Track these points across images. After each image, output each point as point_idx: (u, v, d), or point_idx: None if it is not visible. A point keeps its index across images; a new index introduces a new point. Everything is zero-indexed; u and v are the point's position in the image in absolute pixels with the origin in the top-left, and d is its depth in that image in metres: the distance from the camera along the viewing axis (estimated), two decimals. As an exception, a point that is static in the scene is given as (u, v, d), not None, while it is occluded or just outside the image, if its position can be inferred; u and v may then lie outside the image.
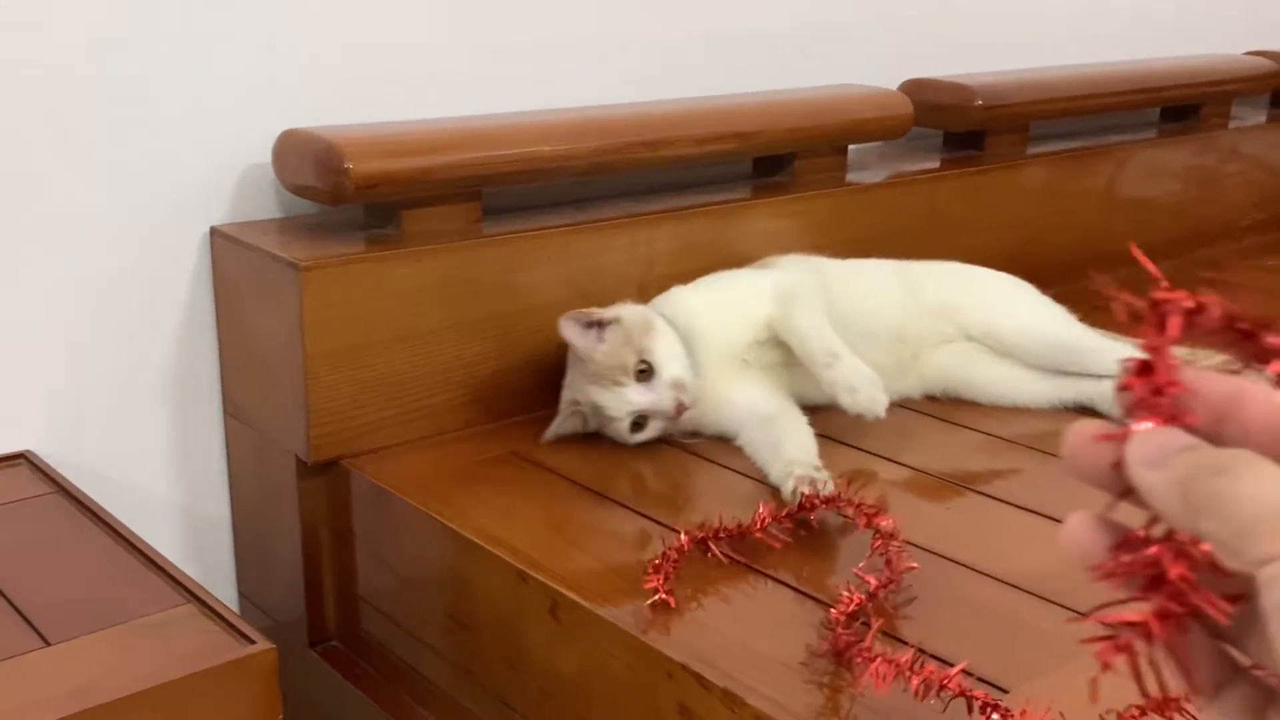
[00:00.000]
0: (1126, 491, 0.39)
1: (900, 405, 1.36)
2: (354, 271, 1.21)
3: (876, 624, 0.88)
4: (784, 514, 1.07)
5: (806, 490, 1.08)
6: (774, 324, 1.29)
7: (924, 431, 1.32)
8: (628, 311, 1.25)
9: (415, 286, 1.24)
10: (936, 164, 1.79)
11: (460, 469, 1.21)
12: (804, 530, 1.07)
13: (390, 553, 1.20)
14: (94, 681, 0.83)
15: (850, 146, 1.68)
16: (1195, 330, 0.39)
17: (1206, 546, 0.37)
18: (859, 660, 0.85)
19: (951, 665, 0.83)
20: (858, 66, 1.76)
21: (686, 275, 1.37)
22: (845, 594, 0.92)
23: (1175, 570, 0.37)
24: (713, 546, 1.03)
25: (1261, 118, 2.27)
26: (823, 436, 1.24)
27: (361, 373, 1.23)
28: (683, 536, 1.02)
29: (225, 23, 1.26)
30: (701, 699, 0.87)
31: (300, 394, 1.20)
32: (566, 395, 1.27)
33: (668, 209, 1.45)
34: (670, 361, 1.23)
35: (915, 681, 0.80)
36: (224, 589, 1.39)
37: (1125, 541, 0.39)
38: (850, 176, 1.67)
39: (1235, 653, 0.40)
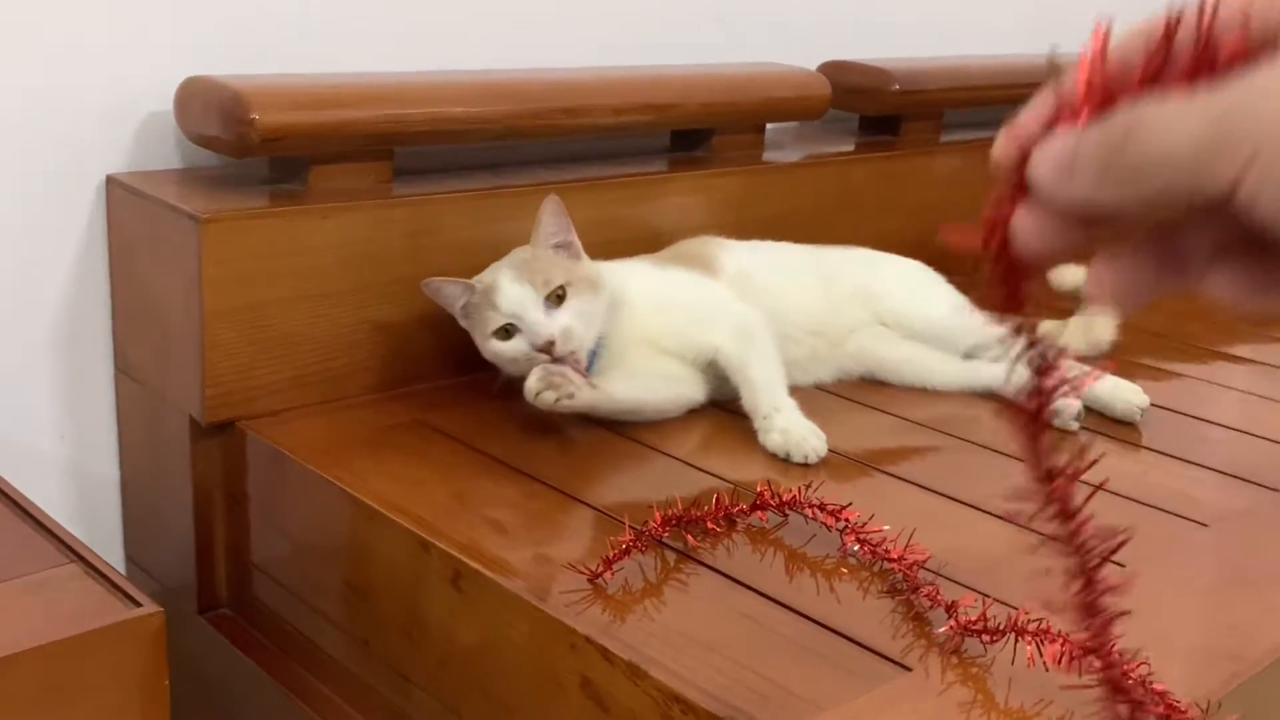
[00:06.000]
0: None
1: (815, 388, 1.36)
2: (257, 226, 1.16)
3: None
4: (737, 508, 1.02)
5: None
6: (723, 358, 1.24)
7: (836, 413, 1.31)
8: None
9: (320, 244, 1.21)
10: (851, 146, 1.79)
11: (362, 435, 1.18)
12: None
13: (286, 519, 1.17)
14: (-35, 642, 0.79)
15: (768, 126, 1.67)
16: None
17: None
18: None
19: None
20: (778, 46, 1.75)
21: (599, 246, 1.35)
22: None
23: None
24: (688, 536, 0.99)
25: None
26: (737, 417, 1.23)
27: (261, 332, 1.18)
28: (649, 522, 0.98)
29: (128, -38, 1.21)
30: (605, 672, 0.85)
31: (196, 352, 1.16)
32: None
33: (583, 178, 1.42)
34: (583, 311, 1.19)
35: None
36: (110, 552, 1.34)
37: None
38: (767, 155, 1.66)
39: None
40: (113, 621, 0.82)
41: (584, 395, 1.16)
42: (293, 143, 1.20)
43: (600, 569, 0.93)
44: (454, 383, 1.30)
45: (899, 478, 1.16)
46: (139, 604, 0.86)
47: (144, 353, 1.25)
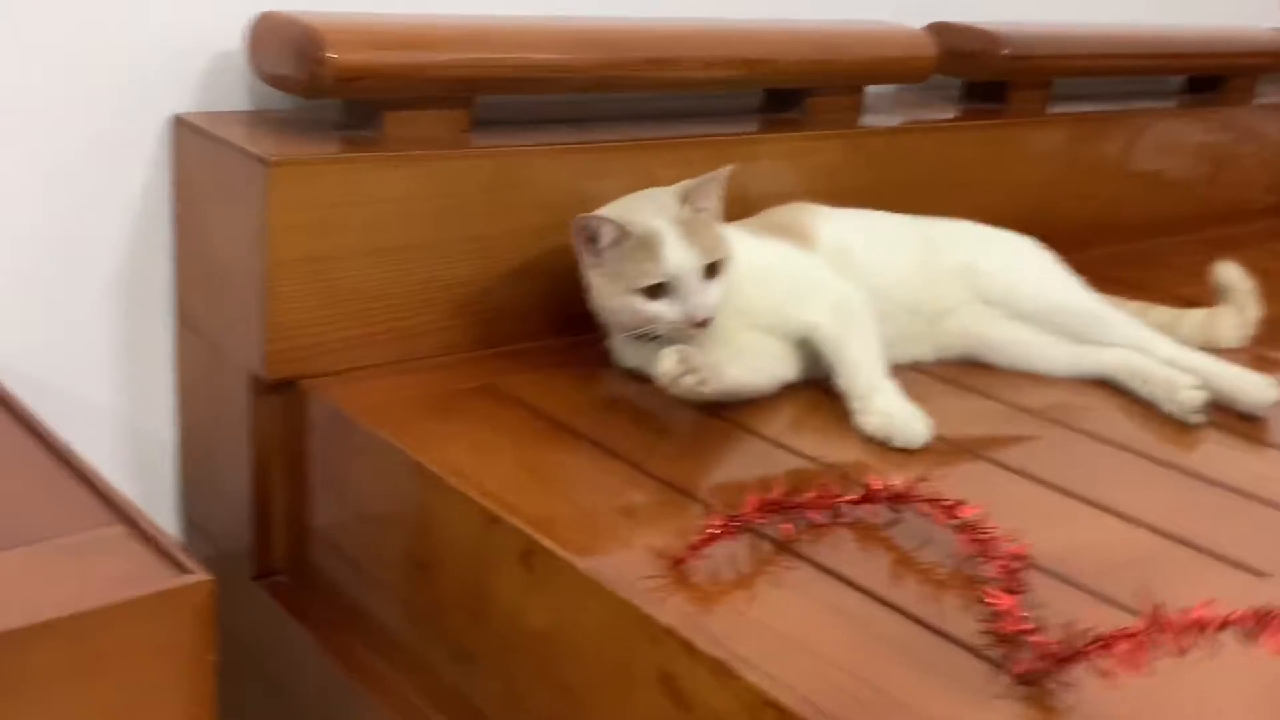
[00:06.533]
0: None
1: (913, 370, 1.27)
2: (328, 172, 1.09)
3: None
4: (839, 498, 0.93)
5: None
6: (820, 337, 1.16)
7: (937, 398, 1.22)
8: None
9: (393, 195, 1.13)
10: (955, 114, 1.69)
11: (431, 399, 1.11)
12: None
13: (347, 484, 1.10)
14: (-5, 606, 0.73)
15: (867, 89, 1.58)
16: None
17: None
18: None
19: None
20: (882, 4, 1.65)
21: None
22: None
23: None
24: (786, 525, 0.91)
25: (1287, 95, 2.18)
26: (828, 394, 1.15)
27: (328, 285, 1.12)
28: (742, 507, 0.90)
29: (202, -111, 1.14)
30: (688, 669, 0.77)
31: (260, 304, 1.09)
32: (618, 212, 1.12)
33: (670, 136, 1.34)
34: (725, 288, 1.12)
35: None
36: (165, 513, 1.29)
37: None
38: (865, 119, 1.57)
39: None
40: (156, 590, 0.75)
41: (716, 382, 1.08)
42: (368, 84, 1.13)
43: (685, 555, 0.85)
44: (531, 347, 1.23)
45: (1007, 467, 1.07)
46: (188, 570, 0.80)
47: (206, 304, 1.19)
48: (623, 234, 1.10)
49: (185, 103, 1.19)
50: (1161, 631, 0.74)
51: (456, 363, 1.19)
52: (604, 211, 1.13)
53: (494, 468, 0.99)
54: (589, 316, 1.18)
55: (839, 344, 1.15)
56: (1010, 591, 0.81)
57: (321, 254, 1.10)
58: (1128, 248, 1.82)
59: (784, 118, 1.50)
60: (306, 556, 1.16)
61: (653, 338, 1.12)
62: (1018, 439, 1.13)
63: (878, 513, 0.94)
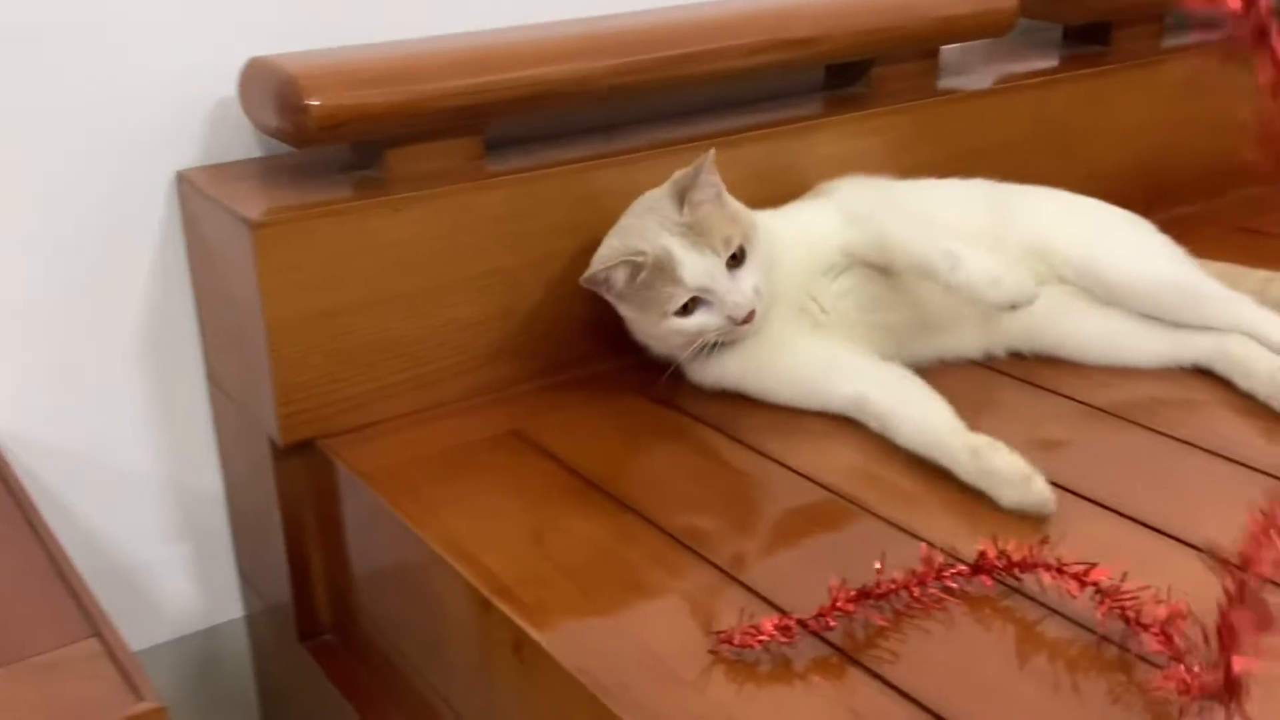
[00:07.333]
0: None
1: (977, 364, 1.15)
2: (321, 226, 1.04)
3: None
4: (947, 572, 0.82)
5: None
6: (859, 249, 1.10)
7: (1005, 395, 1.10)
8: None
9: (398, 239, 1.07)
10: (1053, 63, 1.53)
11: (446, 454, 1.04)
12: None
13: (371, 548, 1.05)
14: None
15: (945, 48, 1.43)
16: None
17: None
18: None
19: None
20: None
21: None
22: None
23: None
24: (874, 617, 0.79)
25: None
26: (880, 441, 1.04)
27: (337, 342, 1.06)
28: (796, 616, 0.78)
29: (179, -66, 1.09)
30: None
31: (266, 368, 1.04)
32: (622, 243, 1.06)
33: (713, 133, 1.24)
34: (759, 267, 1.05)
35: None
36: (223, 568, 1.27)
37: None
38: (944, 83, 1.43)
39: None
40: (103, 724, 0.71)
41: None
42: (359, 127, 1.06)
43: (717, 649, 0.76)
44: (565, 380, 1.15)
45: (1096, 503, 0.94)
46: (143, 698, 0.75)
47: (227, 365, 1.15)
48: (634, 269, 1.03)
49: (192, 155, 1.15)
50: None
51: (483, 405, 1.12)
52: (605, 251, 1.06)
53: (499, 538, 0.92)
54: (626, 337, 1.11)
55: (879, 237, 1.10)
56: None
57: (325, 310, 1.05)
58: (1266, 191, 1.63)
59: (848, 94, 1.38)
60: (352, 618, 1.12)
61: (714, 344, 1.05)
62: (1102, 450, 1.00)
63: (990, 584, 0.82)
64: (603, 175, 1.16)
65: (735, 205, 1.08)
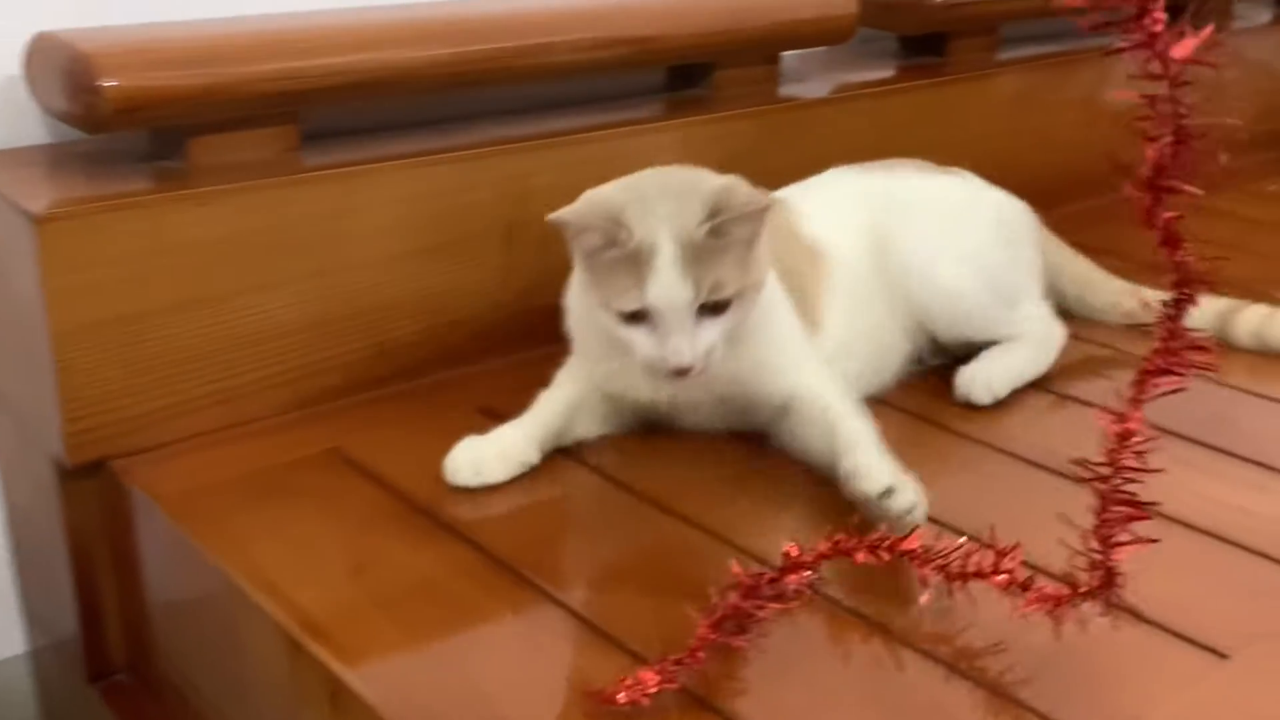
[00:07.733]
0: None
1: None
2: (114, 221, 0.93)
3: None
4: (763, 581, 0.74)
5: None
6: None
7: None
8: None
9: (205, 237, 0.97)
10: (890, 73, 1.51)
11: (256, 476, 0.95)
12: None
13: (169, 581, 0.95)
14: None
15: (785, 55, 1.40)
16: None
17: None
18: None
19: None
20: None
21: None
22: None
23: None
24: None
25: (1266, 17, 1.98)
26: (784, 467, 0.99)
27: (134, 350, 0.96)
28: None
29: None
30: None
31: (51, 379, 0.93)
32: (620, 208, 0.90)
33: (550, 132, 1.17)
34: (729, 334, 0.92)
35: None
36: (6, 608, 1.14)
37: None
38: (784, 90, 1.39)
39: None
40: None
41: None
42: (159, 112, 0.96)
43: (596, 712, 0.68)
44: (390, 393, 1.07)
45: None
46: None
47: (7, 377, 1.03)
48: (610, 241, 0.89)
49: (-28, 139, 1.03)
50: None
51: (299, 421, 1.03)
52: (596, 202, 0.91)
53: (314, 571, 0.83)
54: (467, 349, 1.05)
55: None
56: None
57: (120, 315, 0.94)
58: (1096, 203, 1.64)
59: (689, 96, 1.33)
60: (147, 657, 1.01)
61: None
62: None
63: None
64: (435, 172, 1.08)
65: (761, 254, 0.93)
